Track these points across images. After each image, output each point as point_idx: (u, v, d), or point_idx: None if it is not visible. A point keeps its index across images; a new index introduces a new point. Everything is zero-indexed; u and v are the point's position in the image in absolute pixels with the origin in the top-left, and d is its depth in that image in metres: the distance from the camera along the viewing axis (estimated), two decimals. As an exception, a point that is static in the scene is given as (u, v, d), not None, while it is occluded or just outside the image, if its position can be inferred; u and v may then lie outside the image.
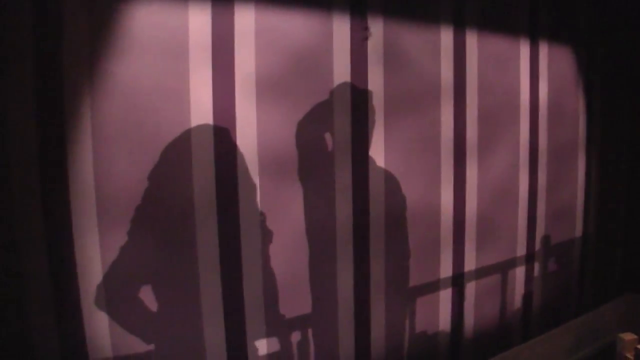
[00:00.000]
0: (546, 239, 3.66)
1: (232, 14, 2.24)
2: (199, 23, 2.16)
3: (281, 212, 2.43)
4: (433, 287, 3.03)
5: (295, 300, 2.51)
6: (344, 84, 2.56)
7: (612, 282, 4.34)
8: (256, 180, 2.34)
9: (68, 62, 1.92)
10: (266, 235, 2.39)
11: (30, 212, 1.89)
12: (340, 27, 2.53)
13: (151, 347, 2.14)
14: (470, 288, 3.21)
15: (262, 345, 2.42)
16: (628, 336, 3.45)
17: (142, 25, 2.04)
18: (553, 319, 3.81)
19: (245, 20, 2.27)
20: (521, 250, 3.49)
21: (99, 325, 2.03)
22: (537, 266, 3.62)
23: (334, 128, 2.54)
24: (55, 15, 1.89)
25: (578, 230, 3.92)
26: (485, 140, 3.19)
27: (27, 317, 1.91)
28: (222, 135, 2.24)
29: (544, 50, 3.49)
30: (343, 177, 2.60)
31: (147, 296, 2.12)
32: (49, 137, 1.90)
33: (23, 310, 1.90)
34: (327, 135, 2.54)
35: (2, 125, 1.83)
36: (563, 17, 3.61)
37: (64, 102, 1.92)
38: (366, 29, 2.61)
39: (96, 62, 1.97)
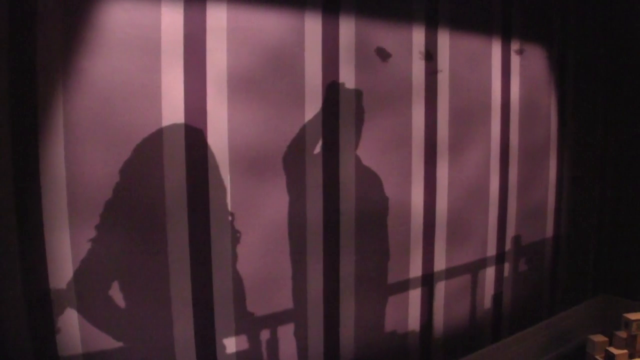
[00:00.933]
0: (517, 239, 3.69)
1: (204, 11, 2.24)
2: (171, 20, 2.16)
3: (252, 210, 2.43)
4: (403, 286, 3.05)
5: (265, 298, 2.51)
6: (316, 81, 2.57)
7: (585, 283, 4.39)
8: (227, 177, 2.35)
9: (41, 59, 1.91)
10: (236, 234, 2.40)
11: (1, 207, 1.88)
12: (313, 26, 2.54)
13: (121, 343, 2.14)
14: (440, 288, 3.24)
15: (231, 343, 2.42)
16: (598, 338, 3.49)
17: (115, 22, 2.04)
18: (524, 320, 3.85)
19: (217, 18, 2.27)
20: (491, 250, 3.53)
21: (69, 322, 2.02)
22: (507, 266, 3.65)
23: (305, 127, 2.56)
24: (29, 11, 1.88)
25: (549, 231, 3.96)
26: (457, 139, 3.22)
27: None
28: (194, 132, 2.24)
29: (516, 49, 3.53)
30: (314, 176, 2.61)
31: (117, 293, 2.11)
32: (21, 132, 1.89)
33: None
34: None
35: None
36: (536, 16, 3.66)
37: (37, 98, 1.91)
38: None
39: (69, 58, 1.96)
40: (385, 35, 2.81)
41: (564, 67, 3.92)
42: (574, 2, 3.94)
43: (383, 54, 2.81)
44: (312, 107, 2.57)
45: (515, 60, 3.52)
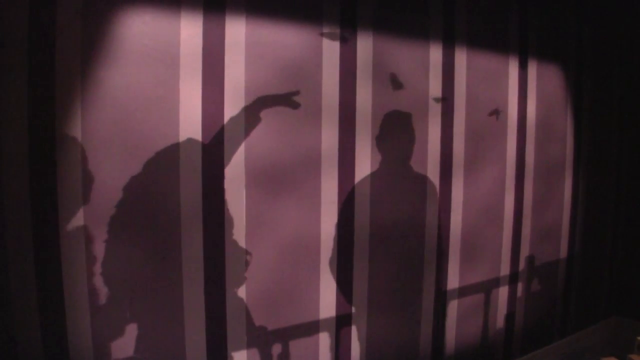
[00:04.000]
0: (530, 258, 3.67)
1: (223, 26, 2.25)
2: (191, 34, 2.18)
3: (267, 225, 2.43)
4: (415, 304, 3.03)
5: (277, 313, 2.50)
6: (332, 96, 2.58)
7: (598, 304, 4.35)
8: (242, 191, 2.35)
9: (60, 70, 1.93)
10: (250, 248, 2.39)
11: (18, 217, 1.89)
12: (330, 42, 2.55)
13: (133, 355, 2.13)
14: (452, 306, 3.21)
15: (242, 356, 2.41)
16: (611, 360, 3.45)
17: (134, 35, 2.05)
18: (536, 341, 3.81)
19: (236, 32, 2.28)
20: (505, 270, 3.50)
21: (82, 332, 2.02)
22: (520, 286, 3.62)
23: (321, 142, 2.56)
24: (48, 23, 1.90)
25: (563, 251, 3.93)
26: (472, 157, 3.21)
27: (11, 322, 1.90)
28: (210, 145, 2.25)
29: (533, 67, 3.52)
30: (329, 191, 2.61)
31: (131, 305, 2.11)
32: (39, 142, 1.90)
33: (8, 316, 1.89)
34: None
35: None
36: (552, 35, 3.65)
37: (55, 109, 1.92)
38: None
39: (88, 70, 1.98)
40: (402, 52, 2.82)
41: (580, 85, 3.91)
42: (590, 20, 3.94)
43: (400, 71, 2.81)
44: (329, 122, 2.58)
45: (532, 78, 3.51)
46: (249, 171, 2.36)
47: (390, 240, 2.87)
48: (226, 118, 2.28)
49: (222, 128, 2.28)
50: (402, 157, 2.88)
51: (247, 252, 2.39)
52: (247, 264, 2.39)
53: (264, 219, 2.42)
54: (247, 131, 2.38)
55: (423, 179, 2.98)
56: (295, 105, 2.46)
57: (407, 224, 2.93)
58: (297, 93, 2.47)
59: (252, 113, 2.38)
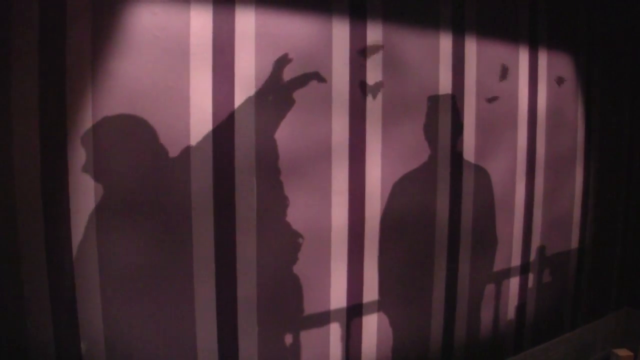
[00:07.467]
0: (541, 249, 3.65)
1: (233, 16, 2.25)
2: (201, 25, 2.18)
3: (277, 215, 2.43)
4: (426, 294, 3.02)
5: (289, 303, 2.51)
6: (343, 86, 2.57)
7: (610, 296, 4.33)
8: (253, 181, 2.35)
9: (71, 61, 1.93)
10: (261, 238, 2.40)
11: (30, 208, 1.90)
12: (340, 32, 2.55)
13: (144, 344, 2.15)
14: (463, 297, 3.21)
15: (253, 347, 2.42)
16: (623, 352, 3.43)
17: (144, 26, 2.06)
18: (547, 332, 3.80)
19: (246, 22, 2.28)
20: (516, 261, 3.49)
21: (93, 322, 2.03)
22: (531, 277, 3.61)
23: (332, 132, 2.56)
24: (59, 14, 1.91)
25: (574, 242, 3.91)
26: (483, 148, 3.20)
27: (23, 316, 1.91)
28: (221, 135, 2.25)
29: (543, 57, 3.50)
30: (340, 181, 2.61)
31: (142, 294, 2.12)
32: (50, 134, 1.91)
33: (20, 309, 1.91)
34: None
35: (5, 123, 1.85)
36: (563, 24, 3.62)
37: (65, 100, 1.93)
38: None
39: (98, 61, 1.98)
40: (412, 41, 2.81)
41: (592, 75, 3.88)
42: (600, 9, 3.90)
43: (411, 60, 2.80)
44: (339, 112, 2.57)
45: (542, 68, 3.49)
46: (259, 161, 2.36)
47: (401, 231, 2.87)
48: (237, 108, 2.28)
49: (233, 118, 2.28)
50: (413, 147, 2.87)
51: (258, 242, 2.39)
52: (258, 253, 2.39)
53: (275, 209, 2.42)
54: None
55: (434, 169, 2.97)
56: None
57: (418, 215, 2.93)
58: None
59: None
